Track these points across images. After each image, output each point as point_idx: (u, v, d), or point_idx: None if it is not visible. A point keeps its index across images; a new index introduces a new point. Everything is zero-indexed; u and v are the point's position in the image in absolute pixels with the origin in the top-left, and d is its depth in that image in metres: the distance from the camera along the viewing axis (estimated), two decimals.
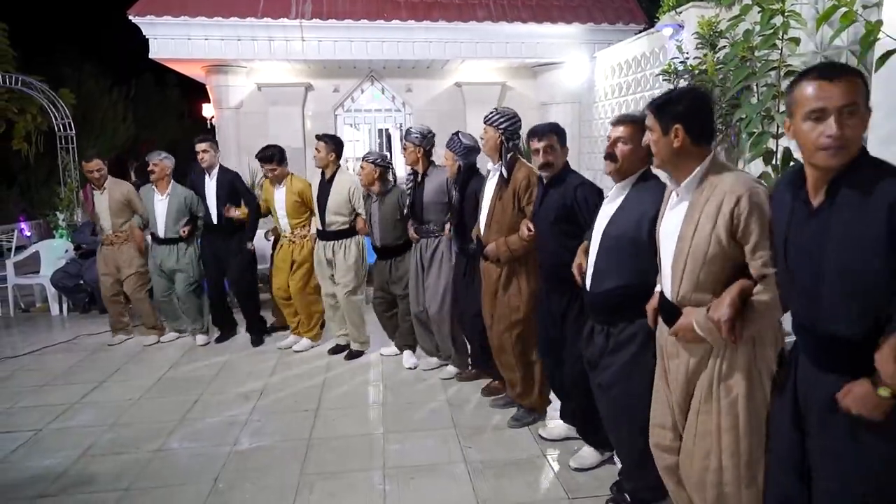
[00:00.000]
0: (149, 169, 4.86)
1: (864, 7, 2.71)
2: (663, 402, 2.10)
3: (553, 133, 2.94)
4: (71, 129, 6.77)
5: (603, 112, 6.85)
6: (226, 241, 4.93)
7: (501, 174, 3.31)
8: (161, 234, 4.91)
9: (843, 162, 1.49)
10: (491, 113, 3.36)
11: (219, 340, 5.15)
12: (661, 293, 2.08)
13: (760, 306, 1.76)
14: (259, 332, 5.13)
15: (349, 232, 4.53)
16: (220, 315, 5.18)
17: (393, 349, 4.65)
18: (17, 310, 6.38)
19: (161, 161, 4.85)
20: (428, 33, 6.98)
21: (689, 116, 1.91)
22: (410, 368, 4.39)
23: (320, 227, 4.54)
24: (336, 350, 4.79)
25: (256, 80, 7.51)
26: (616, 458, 2.75)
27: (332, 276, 4.58)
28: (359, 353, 4.70)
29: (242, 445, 3.30)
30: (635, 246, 2.27)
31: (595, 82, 7.03)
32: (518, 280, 3.28)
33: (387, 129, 8.21)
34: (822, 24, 2.68)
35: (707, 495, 1.93)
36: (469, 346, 4.08)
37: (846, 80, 1.49)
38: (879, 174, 1.46)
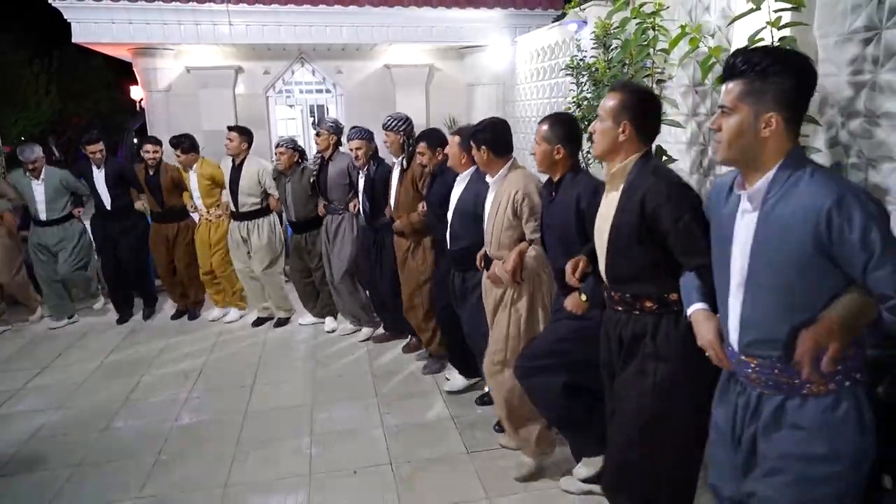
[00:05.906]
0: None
1: (711, 35, 3.18)
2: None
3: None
4: None
5: (524, 94, 7.25)
6: (118, 225, 5.29)
7: (402, 164, 4.09)
8: (43, 216, 5.18)
9: (555, 173, 2.60)
10: (388, 121, 4.07)
11: (120, 322, 5.45)
12: (485, 251, 3.04)
13: (530, 259, 2.82)
14: (153, 305, 5.61)
15: (262, 212, 5.00)
16: (120, 295, 5.53)
17: (310, 318, 5.18)
18: None
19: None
20: (356, 17, 7.17)
21: (492, 139, 2.92)
22: (330, 332, 4.98)
23: (234, 209, 4.95)
24: (258, 322, 5.25)
25: (185, 63, 7.53)
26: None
27: (249, 252, 5.04)
28: (285, 321, 5.25)
29: (183, 421, 3.66)
30: (475, 217, 3.16)
31: (517, 65, 7.42)
32: (423, 249, 4.10)
33: (320, 106, 8.39)
34: (673, 46, 3.15)
35: (492, 370, 2.99)
36: (377, 313, 4.79)
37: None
38: (578, 178, 2.53)
